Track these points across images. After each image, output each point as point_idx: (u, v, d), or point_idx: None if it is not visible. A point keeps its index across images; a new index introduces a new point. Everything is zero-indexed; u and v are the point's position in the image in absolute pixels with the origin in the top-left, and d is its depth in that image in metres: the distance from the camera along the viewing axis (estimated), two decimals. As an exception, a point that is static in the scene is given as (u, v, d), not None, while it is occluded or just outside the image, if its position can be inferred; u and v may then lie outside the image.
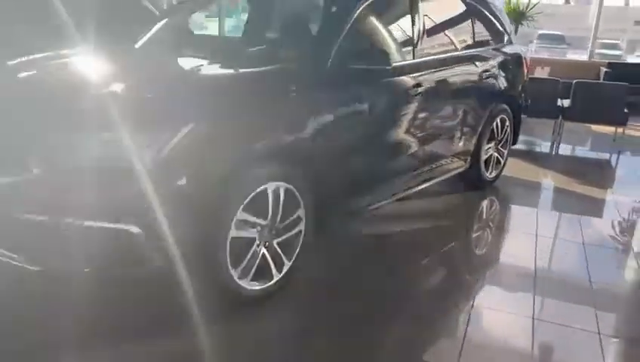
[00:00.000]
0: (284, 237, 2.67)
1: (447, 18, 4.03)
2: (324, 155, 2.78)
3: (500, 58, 4.47)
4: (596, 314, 2.76)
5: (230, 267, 2.42)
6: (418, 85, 3.38)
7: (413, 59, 3.46)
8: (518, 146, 6.44)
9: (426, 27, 3.56)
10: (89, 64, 2.97)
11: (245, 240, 2.49)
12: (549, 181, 5.21)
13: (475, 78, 4.07)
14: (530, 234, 3.76)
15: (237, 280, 2.47)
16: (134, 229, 2.06)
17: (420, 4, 3.54)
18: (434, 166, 3.86)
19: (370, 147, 3.11)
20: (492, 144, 4.53)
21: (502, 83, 4.45)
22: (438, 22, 3.80)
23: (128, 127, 2.06)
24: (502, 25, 4.68)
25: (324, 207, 2.88)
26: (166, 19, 3.68)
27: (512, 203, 4.53)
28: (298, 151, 2.65)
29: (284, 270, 2.72)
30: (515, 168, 5.34)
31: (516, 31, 9.19)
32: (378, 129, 3.13)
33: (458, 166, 4.16)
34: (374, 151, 3.15)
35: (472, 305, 2.79)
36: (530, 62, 5.39)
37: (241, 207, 2.38)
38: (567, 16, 29.78)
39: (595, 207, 4.45)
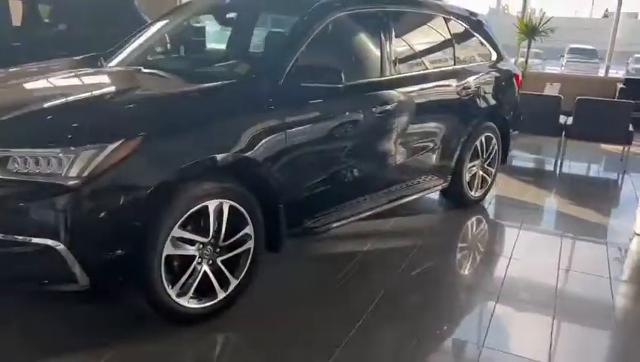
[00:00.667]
0: (229, 255, 2.66)
1: (422, 37, 3.98)
2: (275, 173, 2.76)
3: (484, 75, 4.39)
4: (551, 345, 2.67)
5: (167, 284, 2.41)
6: (384, 103, 3.35)
7: (380, 77, 3.43)
8: (521, 164, 6.38)
9: (396, 46, 3.52)
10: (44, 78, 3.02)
11: (184, 258, 2.49)
12: (541, 201, 5.06)
13: (451, 95, 4.00)
14: (504, 257, 3.66)
15: (175, 298, 2.46)
16: (58, 245, 2.08)
17: (391, 24, 3.51)
18: (406, 184, 3.80)
19: (325, 165, 3.08)
20: (476, 162, 4.44)
21: (486, 100, 4.37)
22: (410, 41, 3.77)
23: (58, 141, 2.11)
24: (489, 42, 4.60)
25: (278, 225, 2.86)
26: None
27: (493, 223, 4.41)
28: (243, 168, 2.64)
29: (231, 288, 2.69)
30: (510, 187, 5.25)
31: (529, 45, 9.04)
32: (333, 146, 3.09)
33: (436, 184, 4.08)
34: (330, 169, 3.11)
35: (417, 339, 2.73)
36: (539, 77, 5.27)
37: (177, 224, 2.38)
38: (603, 31, 28.90)
39: (582, 230, 4.29)
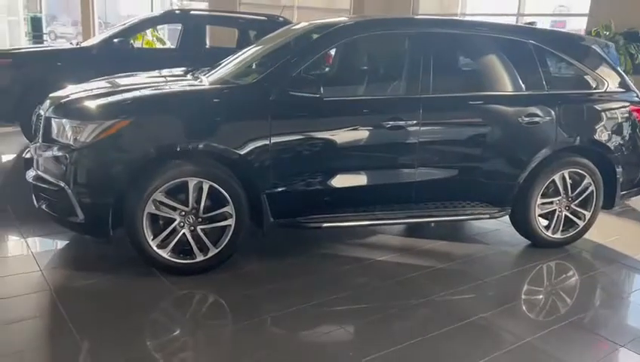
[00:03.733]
0: (209, 226, 3.25)
1: (468, 61, 3.87)
2: (256, 166, 3.25)
3: (572, 105, 3.95)
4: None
5: (148, 236, 3.14)
6: (396, 118, 3.47)
7: (398, 94, 3.68)
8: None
9: (428, 68, 3.58)
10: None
11: (167, 219, 3.18)
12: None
13: (502, 121, 3.80)
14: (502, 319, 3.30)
15: (155, 249, 3.17)
16: (66, 187, 3.03)
17: (425, 48, 3.62)
18: (435, 204, 3.75)
19: (316, 168, 3.40)
20: (556, 199, 4.00)
21: (570, 132, 3.92)
22: (450, 64, 3.76)
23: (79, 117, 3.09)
24: (594, 69, 4.09)
25: (261, 211, 3.33)
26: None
27: (558, 274, 3.87)
28: (224, 157, 3.21)
29: (210, 254, 3.28)
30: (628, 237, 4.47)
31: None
32: (326, 152, 3.39)
33: (484, 212, 3.86)
34: (322, 172, 3.41)
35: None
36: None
37: (159, 190, 3.09)
38: None
39: None
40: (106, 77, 4.08)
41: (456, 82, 3.83)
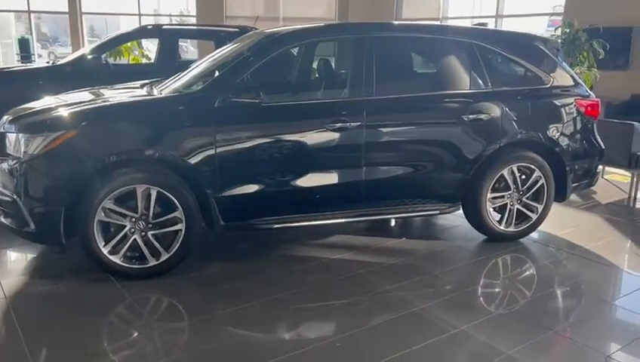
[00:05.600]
0: (159, 231, 3.37)
1: (410, 61, 4.00)
2: (205, 173, 3.37)
3: (517, 101, 4.06)
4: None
5: (99, 242, 3.25)
6: (340, 120, 3.59)
7: (338, 98, 3.82)
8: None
9: (372, 70, 3.71)
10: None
11: (118, 225, 3.30)
12: (593, 245, 4.27)
13: (446, 119, 3.93)
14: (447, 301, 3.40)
15: (107, 255, 3.29)
16: (16, 199, 3.16)
17: (372, 51, 3.74)
18: (385, 203, 3.87)
19: (263, 174, 3.52)
20: (507, 193, 4.10)
21: (517, 127, 4.03)
22: (396, 65, 3.89)
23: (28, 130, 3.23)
24: (540, 65, 4.21)
25: (214, 215, 3.45)
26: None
27: (507, 265, 3.97)
28: (172, 164, 3.33)
29: (162, 259, 3.39)
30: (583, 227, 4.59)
31: None
32: (270, 158, 3.51)
33: (433, 208, 3.98)
34: (268, 177, 3.54)
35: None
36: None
37: (108, 198, 3.21)
38: None
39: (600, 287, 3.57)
40: (63, 93, 4.23)
41: (400, 84, 3.94)
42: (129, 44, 8.82)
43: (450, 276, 3.66)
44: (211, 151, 3.37)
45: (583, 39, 6.56)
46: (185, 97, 3.55)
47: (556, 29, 6.88)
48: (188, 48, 14.38)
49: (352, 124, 3.63)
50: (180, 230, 3.39)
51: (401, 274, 3.61)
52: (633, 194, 5.60)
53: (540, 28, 10.80)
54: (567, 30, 6.63)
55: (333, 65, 4.26)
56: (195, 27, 7.63)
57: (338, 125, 3.60)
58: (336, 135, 3.62)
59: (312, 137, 3.60)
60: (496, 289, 3.55)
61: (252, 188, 3.52)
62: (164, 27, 6.99)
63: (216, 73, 3.57)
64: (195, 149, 3.35)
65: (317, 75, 4.49)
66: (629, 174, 5.79)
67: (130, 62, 9.02)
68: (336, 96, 3.91)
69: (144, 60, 9.28)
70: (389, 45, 3.94)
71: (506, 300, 3.38)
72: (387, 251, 4.03)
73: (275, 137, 3.52)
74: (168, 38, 6.83)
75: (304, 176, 3.64)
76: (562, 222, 4.61)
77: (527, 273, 3.81)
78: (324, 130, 3.59)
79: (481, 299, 3.41)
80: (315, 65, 4.39)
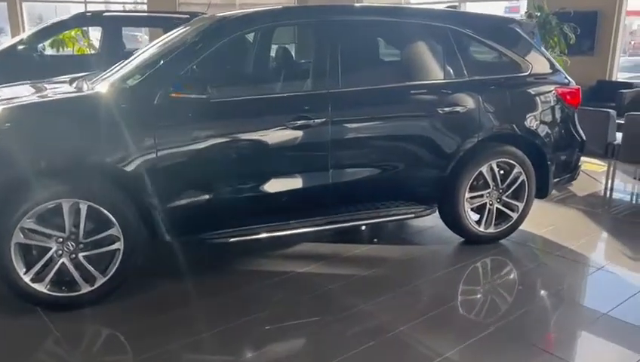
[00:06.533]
0: (92, 252, 2.86)
1: (379, 48, 3.60)
2: (145, 182, 2.88)
3: (494, 92, 3.71)
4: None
5: (19, 269, 2.73)
6: (302, 117, 3.14)
7: (297, 91, 3.35)
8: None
9: (336, 61, 3.26)
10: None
11: (39, 248, 2.78)
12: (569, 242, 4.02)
13: (417, 112, 3.52)
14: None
15: (30, 283, 2.76)
16: None
17: (335, 37, 3.30)
18: (356, 207, 3.46)
19: (213, 180, 3.06)
20: (486, 192, 3.76)
21: (495, 119, 3.67)
22: (363, 54, 3.48)
23: None
24: (518, 51, 3.86)
25: (158, 229, 2.97)
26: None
27: (488, 271, 3.64)
28: (104, 172, 2.83)
29: (98, 284, 2.89)
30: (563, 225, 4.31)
31: None
32: (222, 162, 3.05)
33: (408, 212, 3.59)
34: (220, 184, 3.07)
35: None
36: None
37: (27, 216, 2.68)
38: None
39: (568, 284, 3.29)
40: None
41: (368, 74, 3.52)
42: (73, 33, 8.13)
43: (429, 288, 3.28)
44: (151, 156, 2.87)
45: (554, 23, 6.29)
46: (118, 93, 3.01)
47: (527, 12, 6.59)
48: (143, 38, 13.57)
49: (315, 120, 3.19)
50: (118, 249, 2.89)
51: (375, 288, 3.21)
52: (609, 184, 5.39)
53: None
54: (538, 14, 6.36)
55: (293, 53, 3.81)
56: (140, 14, 7.00)
57: (300, 122, 3.15)
58: (298, 133, 3.17)
59: (270, 137, 3.14)
60: (480, 303, 3.18)
61: (201, 197, 3.04)
62: (105, 14, 6.36)
63: (157, 64, 3.06)
64: (131, 154, 2.84)
65: (275, 66, 4.01)
66: (605, 164, 5.58)
67: (76, 52, 8.31)
68: (297, 89, 3.45)
69: (92, 51, 8.58)
70: (356, 31, 3.50)
71: (491, 316, 3.01)
72: (358, 260, 3.62)
73: (226, 138, 3.04)
74: (111, 26, 6.21)
75: (262, 182, 3.18)
76: (540, 218, 4.31)
77: (511, 281, 3.47)
78: (283, 129, 3.14)
79: (465, 315, 3.04)
80: (272, 54, 3.91)
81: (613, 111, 5.27)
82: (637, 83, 8.48)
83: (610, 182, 5.38)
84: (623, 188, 5.64)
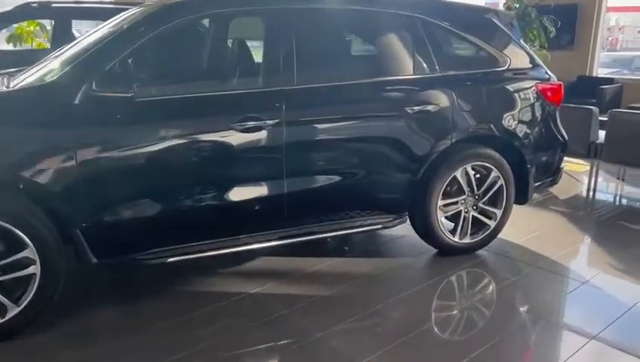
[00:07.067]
0: (3, 278, 2.43)
1: (340, 40, 3.22)
2: (64, 197, 2.46)
3: (469, 88, 3.36)
4: None
5: None
6: (250, 118, 2.75)
7: (241, 88, 2.96)
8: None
9: (294, 52, 2.87)
10: None
11: None
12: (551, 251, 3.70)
13: (383, 112, 3.16)
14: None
15: None
16: None
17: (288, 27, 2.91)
18: (315, 219, 3.09)
19: (144, 192, 2.64)
20: (460, 199, 3.42)
21: (469, 119, 3.33)
22: (320, 45, 3.08)
23: None
24: (494, 44, 3.51)
25: (82, 250, 2.56)
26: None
27: (464, 285, 3.31)
28: (11, 184, 2.40)
29: (10, 314, 2.46)
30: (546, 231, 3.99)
31: None
32: (156, 170, 2.63)
33: (375, 222, 3.23)
34: (148, 195, 2.66)
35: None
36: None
37: None
38: None
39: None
40: None
41: (328, 69, 3.14)
42: (32, 28, 7.59)
43: (397, 311, 2.91)
44: (71, 165, 2.44)
45: (533, 15, 5.98)
46: (34, 92, 2.58)
47: (505, 4, 6.28)
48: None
49: (267, 121, 2.80)
50: (34, 274, 2.47)
51: (335, 311, 2.83)
52: (592, 185, 5.10)
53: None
54: (517, 5, 6.04)
55: (238, 45, 3.40)
56: (91, 5, 6.51)
57: (249, 124, 2.76)
58: (246, 137, 2.77)
59: (213, 141, 2.73)
60: (453, 328, 2.81)
61: (133, 211, 2.63)
62: (53, 5, 5.86)
63: (79, 57, 2.64)
64: (47, 164, 2.42)
65: (226, 61, 3.59)
66: (587, 164, 5.30)
67: (36, 47, 7.76)
68: (246, 85, 3.04)
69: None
70: (315, 20, 3.11)
71: (469, 345, 2.63)
72: (319, 277, 3.25)
73: (159, 143, 2.61)
74: (61, 18, 5.72)
75: (205, 193, 2.78)
76: (521, 224, 3.99)
77: (488, 299, 3.12)
78: (230, 132, 2.74)
79: (437, 342, 2.69)
80: (216, 45, 3.48)
81: (595, 109, 4.98)
82: (618, 79, 8.29)
83: (593, 183, 5.10)
84: (605, 189, 5.39)
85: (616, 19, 20.19)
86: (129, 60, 2.55)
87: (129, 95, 2.49)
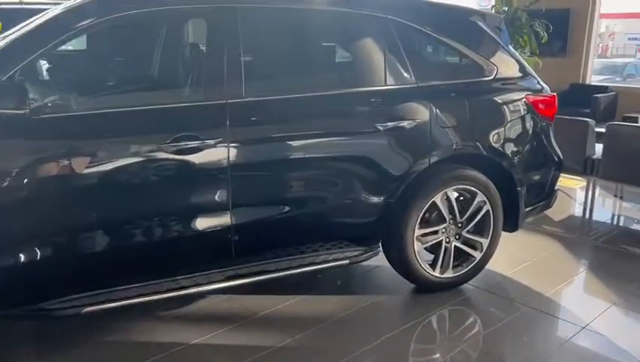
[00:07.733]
0: None
1: (300, 45, 2.77)
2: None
3: (450, 100, 2.92)
4: None
5: None
6: (186, 137, 2.29)
7: (173, 102, 2.46)
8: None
9: (242, 60, 2.42)
10: None
11: None
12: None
13: (354, 130, 2.72)
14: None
15: None
16: None
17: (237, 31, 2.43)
18: (266, 255, 2.63)
19: (50, 224, 2.15)
20: (441, 227, 2.97)
21: (451, 136, 2.89)
22: (276, 51, 2.64)
23: None
24: (476, 54, 3.07)
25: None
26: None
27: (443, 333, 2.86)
28: None
29: None
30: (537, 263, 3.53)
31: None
32: (67, 198, 2.15)
33: (341, 257, 2.76)
34: (60, 230, 2.18)
35: None
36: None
37: None
38: None
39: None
40: None
41: (283, 79, 2.68)
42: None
43: (366, 365, 2.46)
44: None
45: (524, 19, 5.58)
46: None
47: (494, 7, 5.88)
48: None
49: (207, 141, 2.34)
50: None
51: (290, 368, 2.38)
52: (589, 205, 4.68)
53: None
54: (505, 8, 5.64)
55: (173, 50, 2.93)
56: (39, 7, 6.04)
57: (183, 144, 2.30)
58: (180, 160, 2.31)
59: (139, 166, 2.26)
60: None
61: (33, 252, 2.15)
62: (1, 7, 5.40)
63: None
64: None
65: (148, 66, 3.08)
66: (583, 180, 4.88)
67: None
68: (179, 98, 2.57)
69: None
70: (266, 21, 2.66)
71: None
72: (277, 322, 2.78)
73: (65, 169, 2.13)
74: (8, 21, 5.24)
75: (130, 228, 2.29)
76: (510, 250, 3.54)
77: (475, 348, 2.66)
78: (158, 154, 2.28)
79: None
80: (143, 51, 3.00)
81: (592, 121, 4.56)
82: (612, 87, 7.92)
83: (589, 202, 4.68)
84: (601, 206, 4.98)
85: (606, 26, 20.04)
86: (32, 70, 2.08)
87: (22, 112, 2.01)
